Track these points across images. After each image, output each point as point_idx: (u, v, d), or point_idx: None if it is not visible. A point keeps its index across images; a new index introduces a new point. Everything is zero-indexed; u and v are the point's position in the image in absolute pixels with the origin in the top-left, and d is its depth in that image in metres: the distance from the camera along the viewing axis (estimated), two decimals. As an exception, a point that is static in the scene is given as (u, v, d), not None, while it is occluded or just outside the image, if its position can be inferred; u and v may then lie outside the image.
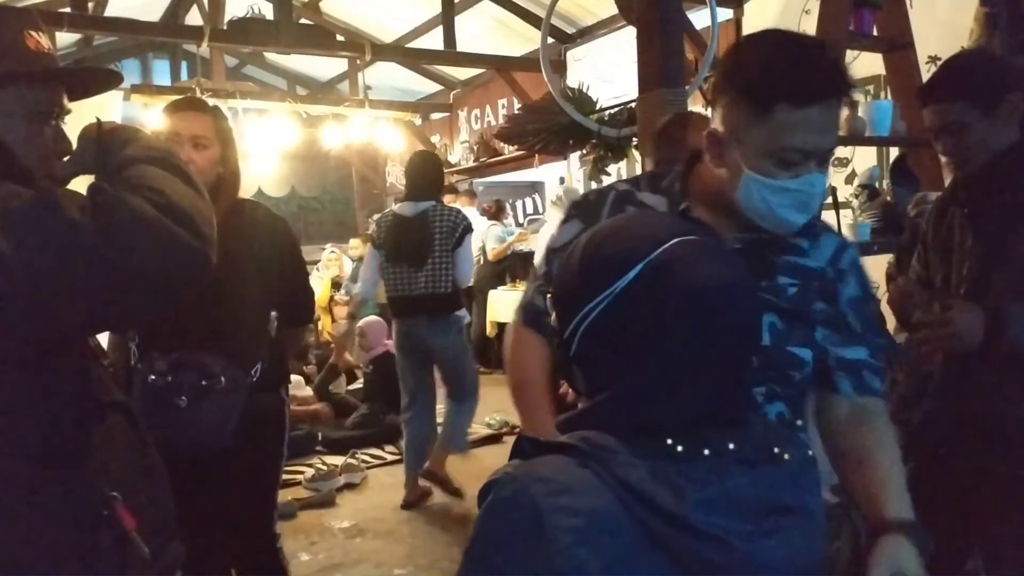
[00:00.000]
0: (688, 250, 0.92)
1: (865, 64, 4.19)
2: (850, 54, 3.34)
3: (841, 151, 4.61)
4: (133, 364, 2.20)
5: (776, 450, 0.92)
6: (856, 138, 3.26)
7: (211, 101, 6.50)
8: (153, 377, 2.10)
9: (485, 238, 7.87)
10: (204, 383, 2.11)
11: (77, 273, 1.07)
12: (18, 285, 1.04)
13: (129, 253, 1.09)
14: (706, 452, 0.87)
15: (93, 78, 1.38)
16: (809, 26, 4.63)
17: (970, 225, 1.95)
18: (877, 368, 1.43)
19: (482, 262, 7.78)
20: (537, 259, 1.58)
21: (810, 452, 0.96)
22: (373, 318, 6.22)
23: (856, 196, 3.51)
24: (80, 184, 1.31)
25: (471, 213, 7.50)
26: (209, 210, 1.22)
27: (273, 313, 2.53)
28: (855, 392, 1.40)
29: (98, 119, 1.32)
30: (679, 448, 0.87)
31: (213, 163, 2.24)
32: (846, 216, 3.41)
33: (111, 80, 1.38)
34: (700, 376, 0.90)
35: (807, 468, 0.95)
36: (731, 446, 0.88)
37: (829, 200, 3.31)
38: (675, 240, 0.92)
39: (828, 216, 3.31)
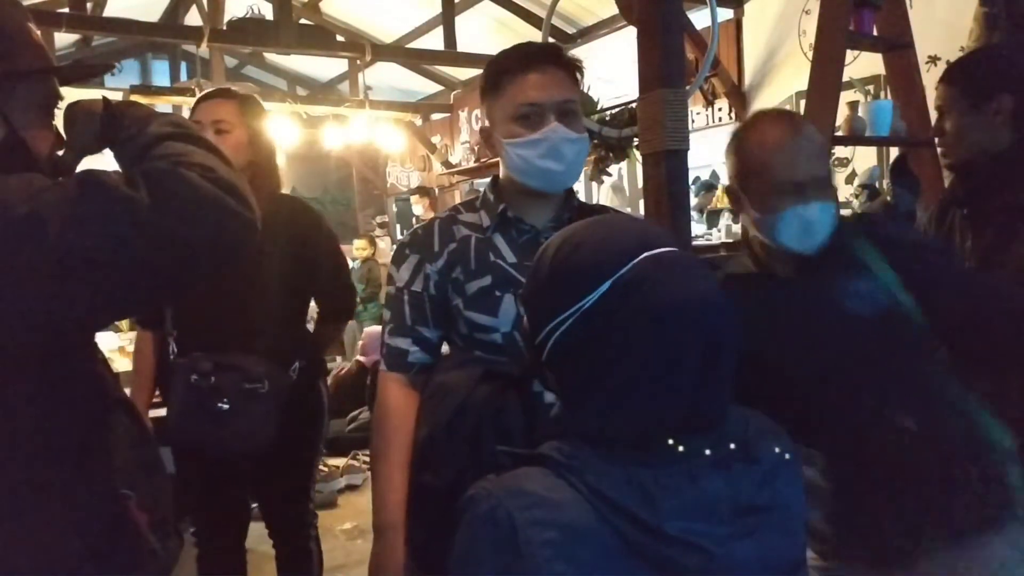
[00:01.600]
0: (658, 266, 0.90)
1: (865, 64, 4.21)
2: (850, 54, 3.35)
3: (841, 151, 4.64)
4: (172, 358, 2.23)
5: (752, 448, 0.92)
6: (856, 138, 3.27)
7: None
8: (196, 377, 2.13)
9: None
10: (247, 386, 2.14)
11: (139, 250, 1.03)
12: (70, 269, 1.01)
13: (191, 226, 1.07)
14: (681, 449, 0.88)
15: (87, 72, 1.42)
16: (809, 25, 4.66)
17: (970, 226, 1.97)
18: None
19: None
20: (384, 309, 1.67)
21: (790, 448, 0.96)
22: (376, 328, 6.14)
23: (856, 196, 3.53)
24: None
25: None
26: (244, 180, 1.21)
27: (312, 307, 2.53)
28: None
29: (105, 98, 1.31)
30: (655, 452, 0.87)
31: (238, 149, 2.22)
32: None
33: (102, 71, 1.48)
34: (670, 390, 0.88)
35: (785, 464, 0.94)
36: (707, 451, 0.89)
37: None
38: (645, 255, 0.90)
39: None
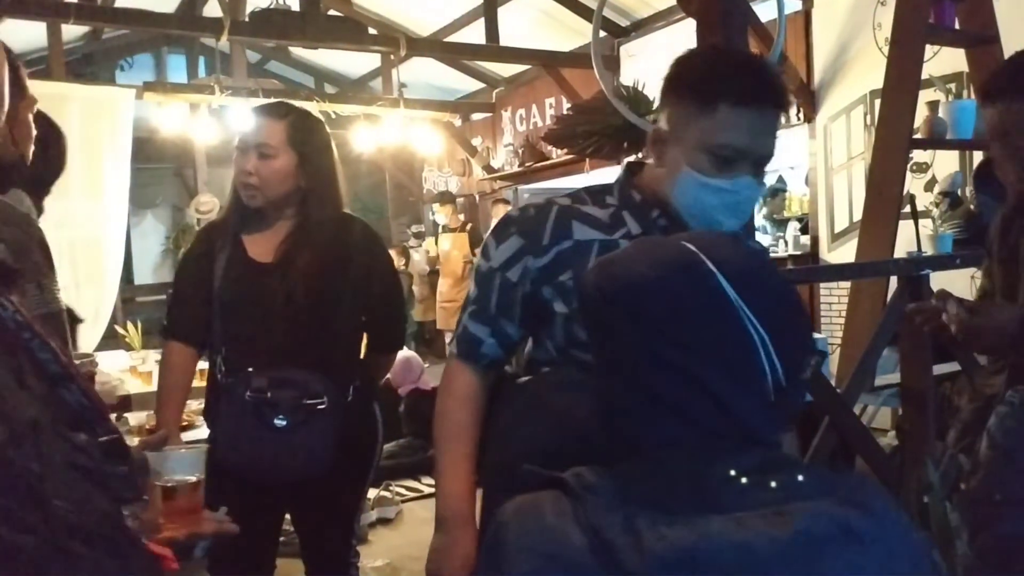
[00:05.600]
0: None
1: (946, 60, 4.22)
2: (930, 49, 3.38)
3: (920, 155, 4.63)
4: (220, 379, 2.28)
5: (800, 512, 0.87)
6: (936, 141, 3.29)
7: (232, 100, 6.72)
8: (251, 394, 2.16)
9: None
10: (306, 402, 2.17)
11: None
12: None
13: None
14: (730, 473, 0.90)
15: None
16: (885, 18, 4.69)
17: None
18: None
19: None
20: (471, 282, 1.63)
21: (871, 529, 0.89)
22: (407, 353, 5.99)
23: (936, 204, 3.54)
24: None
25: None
26: None
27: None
28: None
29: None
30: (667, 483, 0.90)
31: (282, 174, 2.27)
32: (925, 226, 3.44)
33: None
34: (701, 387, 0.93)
35: (846, 544, 0.87)
36: (743, 479, 0.90)
37: (907, 209, 3.35)
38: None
39: (906, 226, 3.34)
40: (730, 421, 0.93)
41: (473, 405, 1.59)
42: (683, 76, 1.50)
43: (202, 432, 2.37)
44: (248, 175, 2.25)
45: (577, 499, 0.90)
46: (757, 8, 5.15)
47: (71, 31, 8.22)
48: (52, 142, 2.80)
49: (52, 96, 5.63)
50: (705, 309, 0.94)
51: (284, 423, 2.15)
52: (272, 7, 6.47)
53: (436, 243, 9.24)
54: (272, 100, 2.62)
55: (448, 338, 8.56)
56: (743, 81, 1.44)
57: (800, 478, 0.91)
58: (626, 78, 6.38)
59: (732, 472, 0.90)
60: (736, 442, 0.93)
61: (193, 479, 1.34)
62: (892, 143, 3.33)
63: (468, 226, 9.11)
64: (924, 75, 3.19)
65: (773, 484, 0.90)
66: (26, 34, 7.32)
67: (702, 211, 1.48)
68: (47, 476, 0.82)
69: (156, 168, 10.80)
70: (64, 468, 0.84)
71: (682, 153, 1.47)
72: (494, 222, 7.26)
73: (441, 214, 8.90)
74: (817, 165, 5.97)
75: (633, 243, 1.08)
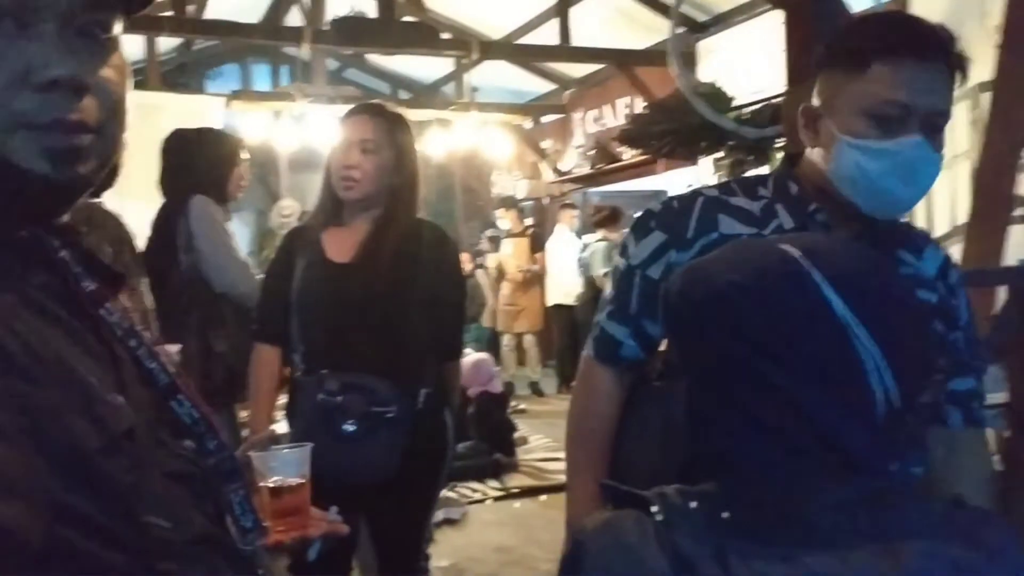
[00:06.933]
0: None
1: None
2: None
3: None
4: (296, 376, 2.37)
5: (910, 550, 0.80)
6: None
7: (312, 107, 6.80)
8: (323, 396, 2.21)
9: (590, 256, 7.81)
10: (375, 409, 2.21)
11: None
12: None
13: None
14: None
15: None
16: (995, 4, 4.40)
17: None
18: (984, 395, 1.47)
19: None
20: (612, 279, 1.56)
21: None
22: (476, 356, 6.13)
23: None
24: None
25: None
26: None
27: None
28: (963, 425, 1.42)
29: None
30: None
31: (383, 170, 2.34)
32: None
33: None
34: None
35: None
36: (847, 512, 0.82)
37: (1019, 212, 3.18)
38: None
39: (1017, 230, 3.19)
40: (831, 446, 0.85)
41: (611, 410, 1.51)
42: (832, 44, 1.39)
43: (281, 428, 2.53)
44: (351, 168, 2.31)
45: (661, 521, 0.85)
46: (848, -3, 4.93)
47: (165, 43, 8.51)
48: (219, 156, 3.03)
49: (148, 106, 6.01)
50: (805, 322, 0.86)
51: (352, 429, 2.19)
52: (350, 15, 6.61)
53: (499, 249, 9.29)
54: (364, 102, 2.69)
55: (505, 340, 8.88)
56: (897, 34, 1.32)
57: (912, 512, 0.85)
58: (704, 75, 6.20)
59: (834, 503, 0.83)
60: (838, 469, 0.85)
61: (299, 479, 1.32)
62: (1003, 140, 3.15)
63: (530, 231, 9.08)
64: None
65: (881, 518, 0.83)
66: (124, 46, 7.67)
67: (866, 181, 1.32)
68: (143, 489, 0.76)
69: (240, 174, 11.02)
70: (162, 480, 0.80)
71: (836, 124, 1.33)
72: (559, 227, 7.35)
73: (505, 220, 8.91)
74: (915, 165, 5.70)
75: (727, 246, 1.01)
